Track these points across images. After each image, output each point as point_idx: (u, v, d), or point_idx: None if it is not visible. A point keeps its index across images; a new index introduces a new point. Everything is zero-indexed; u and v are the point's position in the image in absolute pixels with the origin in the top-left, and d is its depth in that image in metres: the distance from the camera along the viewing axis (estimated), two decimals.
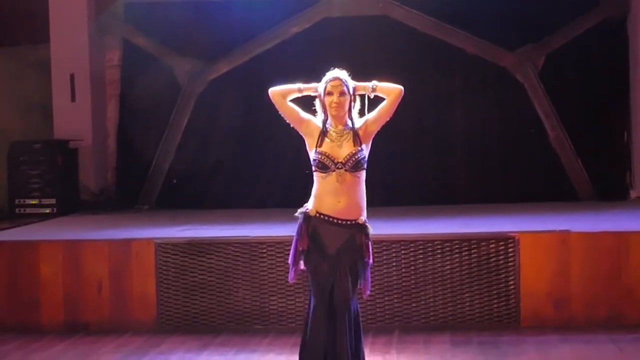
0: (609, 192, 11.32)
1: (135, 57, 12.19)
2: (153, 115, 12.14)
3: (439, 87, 11.71)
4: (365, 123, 5.86)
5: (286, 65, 11.75)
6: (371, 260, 5.86)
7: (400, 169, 11.12)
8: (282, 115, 6.01)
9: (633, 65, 11.44)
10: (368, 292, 5.94)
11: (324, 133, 5.83)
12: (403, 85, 5.99)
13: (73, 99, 11.89)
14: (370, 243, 5.82)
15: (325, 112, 5.86)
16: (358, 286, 5.83)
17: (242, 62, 11.92)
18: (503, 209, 10.36)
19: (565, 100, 11.50)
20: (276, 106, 6.02)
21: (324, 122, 5.85)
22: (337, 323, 5.75)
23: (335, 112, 5.78)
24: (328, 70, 5.97)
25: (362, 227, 5.79)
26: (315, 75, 11.77)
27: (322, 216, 5.79)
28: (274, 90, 6.05)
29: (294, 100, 6.05)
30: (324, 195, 5.79)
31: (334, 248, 5.77)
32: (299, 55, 11.63)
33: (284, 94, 6.03)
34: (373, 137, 5.91)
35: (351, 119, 5.85)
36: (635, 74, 11.39)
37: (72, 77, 11.87)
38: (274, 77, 11.61)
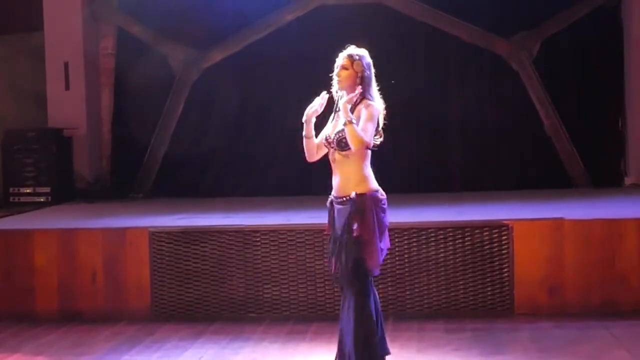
0: (603, 179, 11.33)
1: (129, 46, 12.19)
2: (147, 104, 12.12)
3: (433, 74, 11.70)
4: (359, 113, 5.76)
5: (280, 54, 11.78)
6: (367, 234, 5.67)
7: (395, 157, 11.11)
8: None
9: (627, 52, 11.45)
10: (375, 272, 5.79)
11: (335, 112, 5.89)
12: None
13: (67, 87, 11.90)
14: (359, 217, 5.65)
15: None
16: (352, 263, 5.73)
17: (236, 50, 11.92)
18: (498, 196, 10.36)
19: (560, 88, 11.49)
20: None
21: (337, 101, 5.87)
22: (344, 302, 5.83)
23: (338, 84, 5.82)
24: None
25: (352, 201, 5.71)
26: (308, 62, 11.82)
27: (332, 198, 5.89)
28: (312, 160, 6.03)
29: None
30: (333, 176, 5.87)
31: (340, 228, 5.79)
32: (293, 44, 11.63)
33: (310, 153, 5.97)
34: None
35: (358, 95, 5.78)
36: (630, 61, 11.40)
37: (66, 65, 11.87)
38: (268, 65, 11.85)
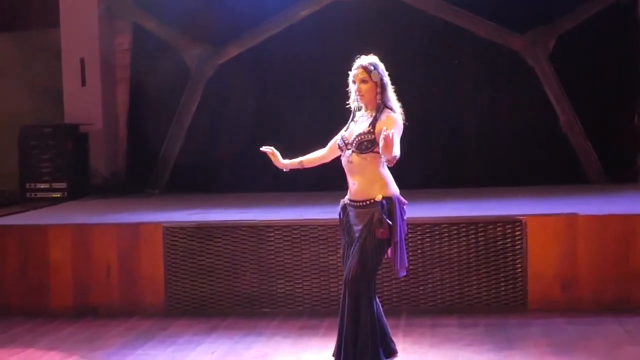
0: (619, 174, 11.27)
1: (145, 41, 12.21)
2: (163, 100, 12.15)
3: (448, 70, 11.66)
4: (386, 124, 5.72)
5: (295, 49, 11.77)
6: (395, 237, 5.74)
7: (409, 152, 11.05)
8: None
9: None
10: (401, 273, 5.88)
11: (352, 119, 5.98)
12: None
13: (83, 83, 11.93)
14: (386, 219, 5.69)
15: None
16: (372, 266, 5.80)
17: (251, 45, 11.92)
18: (512, 192, 10.33)
19: (575, 83, 11.43)
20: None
21: (354, 109, 5.97)
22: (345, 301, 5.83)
23: (361, 99, 5.88)
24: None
25: (378, 204, 5.74)
26: (323, 58, 11.82)
27: (348, 201, 5.92)
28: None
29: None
30: (348, 179, 5.91)
31: (358, 231, 5.82)
32: (308, 39, 11.62)
33: (319, 164, 6.30)
34: None
35: (383, 103, 5.84)
36: None
37: (82, 61, 11.91)
38: (283, 61, 11.83)
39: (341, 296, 5.96)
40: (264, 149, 6.26)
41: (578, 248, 7.97)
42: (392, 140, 5.36)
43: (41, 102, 12.38)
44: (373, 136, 5.74)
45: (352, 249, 5.83)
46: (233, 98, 11.97)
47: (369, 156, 5.76)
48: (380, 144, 5.40)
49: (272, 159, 6.23)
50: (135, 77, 12.25)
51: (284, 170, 6.26)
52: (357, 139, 5.79)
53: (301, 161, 6.26)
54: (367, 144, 5.75)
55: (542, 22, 11.50)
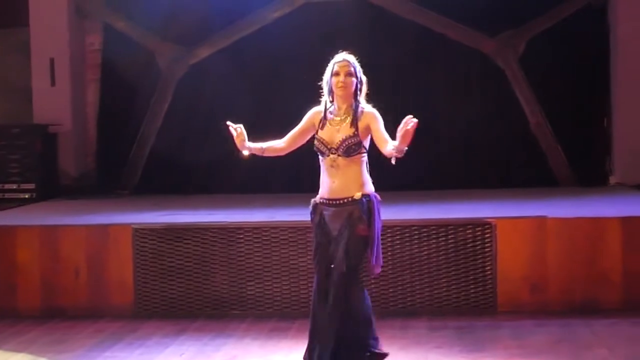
0: (589, 178, 11.31)
1: (115, 42, 12.12)
2: (133, 100, 12.08)
3: (419, 72, 11.66)
4: (368, 121, 5.84)
5: (267, 50, 11.75)
6: (373, 233, 5.80)
7: (379, 154, 11.08)
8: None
9: (614, 51, 11.43)
10: (376, 270, 5.92)
11: (325, 117, 5.95)
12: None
13: (53, 83, 11.84)
14: (365, 217, 5.77)
15: (331, 95, 5.94)
16: (357, 262, 5.83)
17: (222, 47, 11.87)
18: (482, 194, 10.35)
19: (545, 86, 11.47)
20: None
21: (326, 106, 5.96)
22: (331, 298, 5.83)
23: (341, 92, 5.88)
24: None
25: (357, 202, 5.78)
26: (295, 60, 11.80)
27: (323, 200, 5.92)
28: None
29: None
30: (323, 179, 5.92)
31: (336, 229, 5.83)
32: (279, 41, 11.59)
33: (278, 154, 6.18)
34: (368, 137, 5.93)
35: (357, 102, 5.89)
36: (616, 59, 11.38)
37: (51, 61, 11.82)
38: (254, 62, 11.80)
39: (312, 297, 5.96)
40: (231, 125, 6.10)
41: (547, 251, 8.01)
42: (412, 134, 5.47)
43: (12, 101, 12.29)
44: (359, 139, 5.81)
45: (331, 248, 5.84)
46: (204, 99, 11.92)
47: (355, 158, 5.81)
48: (399, 138, 5.48)
49: (237, 139, 6.05)
50: (106, 77, 12.17)
51: (244, 153, 6.08)
52: (344, 145, 5.82)
53: (262, 148, 6.08)
54: (354, 147, 5.81)
55: (513, 25, 11.53)
